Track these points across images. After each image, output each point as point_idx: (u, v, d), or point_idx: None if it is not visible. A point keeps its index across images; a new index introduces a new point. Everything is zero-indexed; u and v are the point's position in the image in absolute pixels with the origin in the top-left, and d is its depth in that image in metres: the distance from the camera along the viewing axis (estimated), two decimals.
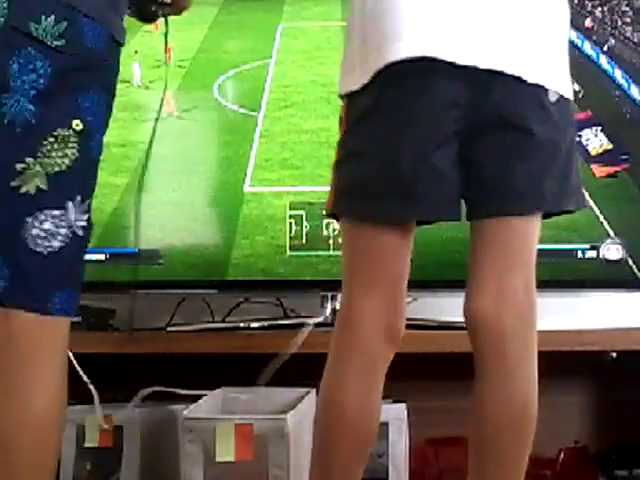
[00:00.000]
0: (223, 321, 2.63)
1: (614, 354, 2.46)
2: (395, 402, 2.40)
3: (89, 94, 1.45)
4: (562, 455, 2.57)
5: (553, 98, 1.65)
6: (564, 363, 2.61)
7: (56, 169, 1.41)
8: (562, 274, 2.67)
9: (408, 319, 2.56)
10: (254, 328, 2.52)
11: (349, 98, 1.70)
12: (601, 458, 2.63)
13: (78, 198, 1.45)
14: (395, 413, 2.35)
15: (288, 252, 2.66)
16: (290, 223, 2.68)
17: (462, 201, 1.70)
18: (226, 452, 2.11)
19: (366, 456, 1.74)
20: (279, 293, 2.54)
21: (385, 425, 2.33)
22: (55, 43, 1.40)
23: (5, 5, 1.37)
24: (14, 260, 1.41)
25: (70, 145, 1.42)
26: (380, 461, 2.37)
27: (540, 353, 2.49)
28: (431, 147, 1.62)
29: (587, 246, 2.66)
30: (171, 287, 2.68)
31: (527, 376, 1.71)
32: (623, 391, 2.70)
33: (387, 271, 1.70)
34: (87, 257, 1.55)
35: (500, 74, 1.60)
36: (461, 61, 1.59)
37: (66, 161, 1.42)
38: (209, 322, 2.64)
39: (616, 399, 2.72)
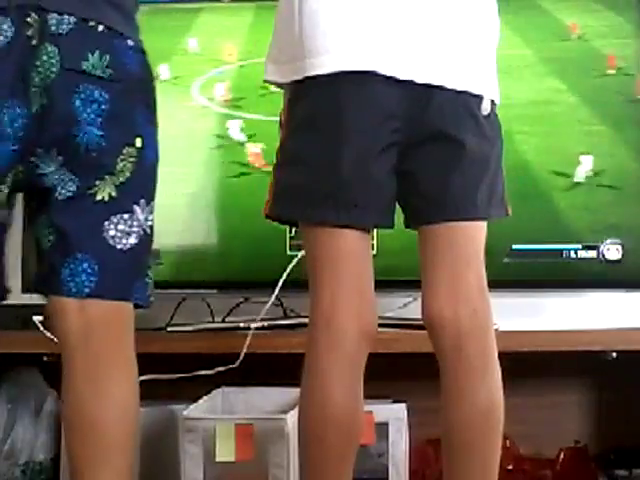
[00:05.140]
0: (223, 321, 2.63)
1: (614, 354, 2.46)
2: (395, 402, 2.40)
3: (138, 112, 1.65)
4: (562, 455, 2.57)
5: (485, 112, 1.72)
6: (564, 363, 2.62)
7: (121, 179, 1.62)
8: (562, 274, 2.67)
9: (408, 319, 2.56)
10: (254, 328, 2.51)
11: (289, 103, 1.75)
12: (601, 458, 2.63)
13: (142, 201, 1.65)
14: (395, 413, 2.35)
15: (288, 252, 2.66)
16: None
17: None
18: (226, 452, 2.12)
19: (354, 455, 1.75)
20: (279, 293, 2.53)
21: (385, 425, 2.33)
22: (105, 73, 1.59)
23: (55, 52, 1.55)
24: (100, 256, 1.61)
25: (131, 159, 1.63)
26: (380, 461, 2.37)
27: (540, 353, 2.50)
28: (370, 156, 1.68)
29: (587, 246, 2.65)
30: (171, 287, 2.67)
31: (489, 375, 1.72)
32: (623, 391, 2.70)
33: (352, 267, 1.73)
34: None
35: (436, 87, 1.68)
36: (400, 76, 1.66)
37: (128, 172, 1.63)
38: (209, 322, 2.64)
39: (616, 399, 2.72)
